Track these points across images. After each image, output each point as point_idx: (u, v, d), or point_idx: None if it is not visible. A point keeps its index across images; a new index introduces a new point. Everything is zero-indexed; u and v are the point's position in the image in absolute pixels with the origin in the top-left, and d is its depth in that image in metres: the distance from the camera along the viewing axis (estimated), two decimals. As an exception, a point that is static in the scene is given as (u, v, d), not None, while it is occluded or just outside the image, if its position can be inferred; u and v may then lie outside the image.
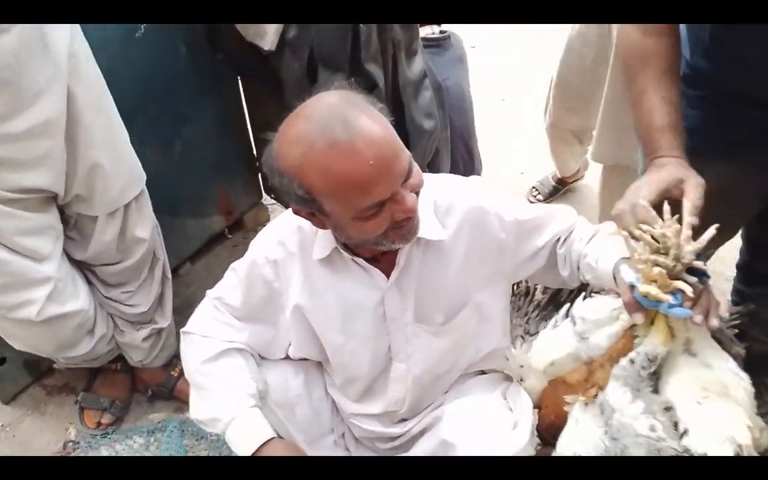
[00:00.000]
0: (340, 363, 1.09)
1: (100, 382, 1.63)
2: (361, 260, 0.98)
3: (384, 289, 1.00)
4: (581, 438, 0.85)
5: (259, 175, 1.98)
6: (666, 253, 0.76)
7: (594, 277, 0.93)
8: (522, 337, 1.29)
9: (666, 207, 0.78)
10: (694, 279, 0.76)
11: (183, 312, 1.51)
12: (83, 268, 1.38)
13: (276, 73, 1.46)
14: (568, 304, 0.98)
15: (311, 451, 1.14)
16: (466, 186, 1.04)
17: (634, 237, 0.79)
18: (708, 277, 0.78)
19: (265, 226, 1.11)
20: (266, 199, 2.07)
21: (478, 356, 1.12)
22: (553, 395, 0.96)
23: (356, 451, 1.22)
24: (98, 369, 1.62)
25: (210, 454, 1.48)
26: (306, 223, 0.96)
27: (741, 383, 0.78)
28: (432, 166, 1.62)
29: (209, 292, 1.11)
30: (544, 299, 1.44)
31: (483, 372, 1.17)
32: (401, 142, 0.85)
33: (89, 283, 1.40)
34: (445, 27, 1.76)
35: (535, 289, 1.46)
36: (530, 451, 0.98)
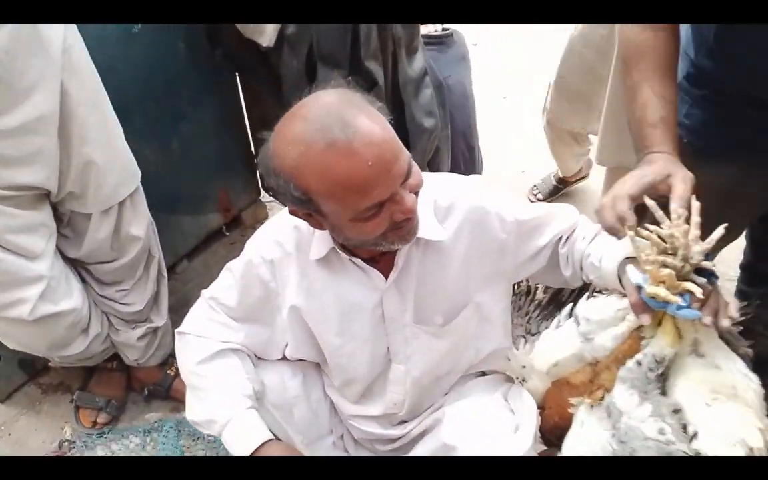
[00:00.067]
0: (338, 364, 1.08)
1: (96, 381, 1.62)
2: (359, 261, 0.97)
3: (382, 290, 0.99)
4: (587, 440, 0.83)
5: (258, 172, 1.97)
6: (674, 254, 0.74)
7: (597, 277, 0.92)
8: (523, 337, 1.28)
9: (673, 206, 0.76)
10: (702, 280, 0.74)
11: (180, 310, 1.49)
12: (77, 266, 1.37)
13: (275, 69, 1.46)
14: (570, 304, 0.96)
15: (310, 453, 1.13)
16: (466, 185, 1.03)
17: (640, 236, 0.77)
18: (716, 277, 0.76)
19: (263, 223, 1.10)
20: (264, 197, 2.06)
21: (478, 358, 1.11)
22: (557, 396, 0.94)
23: (355, 453, 1.21)
24: (94, 368, 1.61)
25: (207, 455, 1.47)
26: (303, 223, 0.94)
27: (751, 385, 0.77)
28: (432, 165, 1.61)
29: (204, 292, 1.10)
30: (545, 299, 1.43)
31: (484, 373, 1.16)
32: (400, 142, 0.84)
33: (83, 281, 1.39)
34: (447, 24, 1.74)
35: (536, 288, 1.45)
36: (533, 454, 0.97)
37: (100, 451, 1.51)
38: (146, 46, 1.48)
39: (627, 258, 0.84)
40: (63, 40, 1.10)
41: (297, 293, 1.02)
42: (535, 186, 2.15)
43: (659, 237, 0.75)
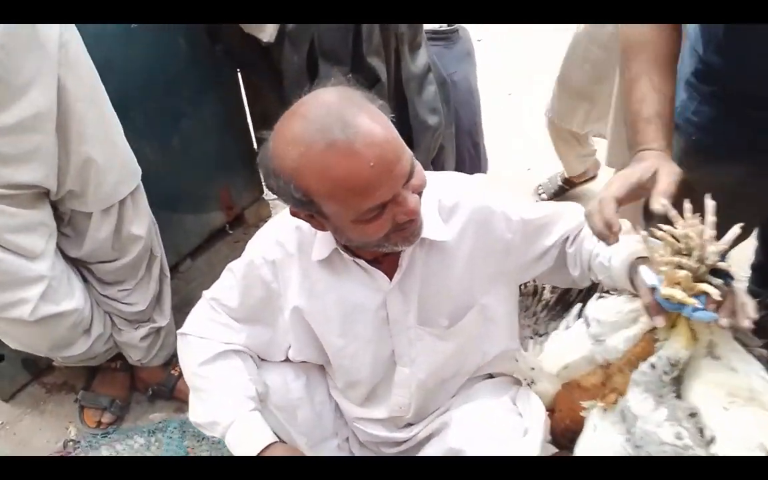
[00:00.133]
0: (341, 365, 1.06)
1: (100, 381, 1.61)
2: (362, 262, 0.96)
3: (386, 292, 0.98)
4: (601, 445, 0.82)
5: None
6: (688, 254, 0.72)
7: (607, 277, 0.90)
8: (531, 338, 1.26)
9: (687, 205, 0.74)
10: (719, 281, 0.72)
11: (183, 309, 1.48)
12: (79, 266, 1.36)
13: (276, 65, 1.44)
14: (579, 305, 0.94)
15: (314, 455, 1.12)
16: (471, 185, 1.02)
17: (655, 236, 0.75)
18: (732, 278, 0.74)
19: (266, 221, 1.09)
20: (267, 195, 2.06)
21: (484, 360, 1.09)
22: (568, 399, 0.93)
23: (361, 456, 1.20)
24: (97, 367, 1.61)
25: (212, 456, 1.46)
26: (305, 224, 0.93)
27: (768, 387, 0.75)
28: (437, 163, 1.60)
29: (205, 293, 1.09)
30: (552, 299, 1.42)
31: (491, 376, 1.14)
32: (403, 142, 0.82)
33: (85, 281, 1.38)
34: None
35: (543, 288, 1.44)
36: (542, 458, 0.95)
37: (104, 452, 1.51)
38: (146, 43, 1.47)
39: (638, 258, 0.82)
40: (59, 36, 1.09)
41: (299, 294, 1.00)
42: (540, 185, 2.12)
43: (673, 237, 0.73)
